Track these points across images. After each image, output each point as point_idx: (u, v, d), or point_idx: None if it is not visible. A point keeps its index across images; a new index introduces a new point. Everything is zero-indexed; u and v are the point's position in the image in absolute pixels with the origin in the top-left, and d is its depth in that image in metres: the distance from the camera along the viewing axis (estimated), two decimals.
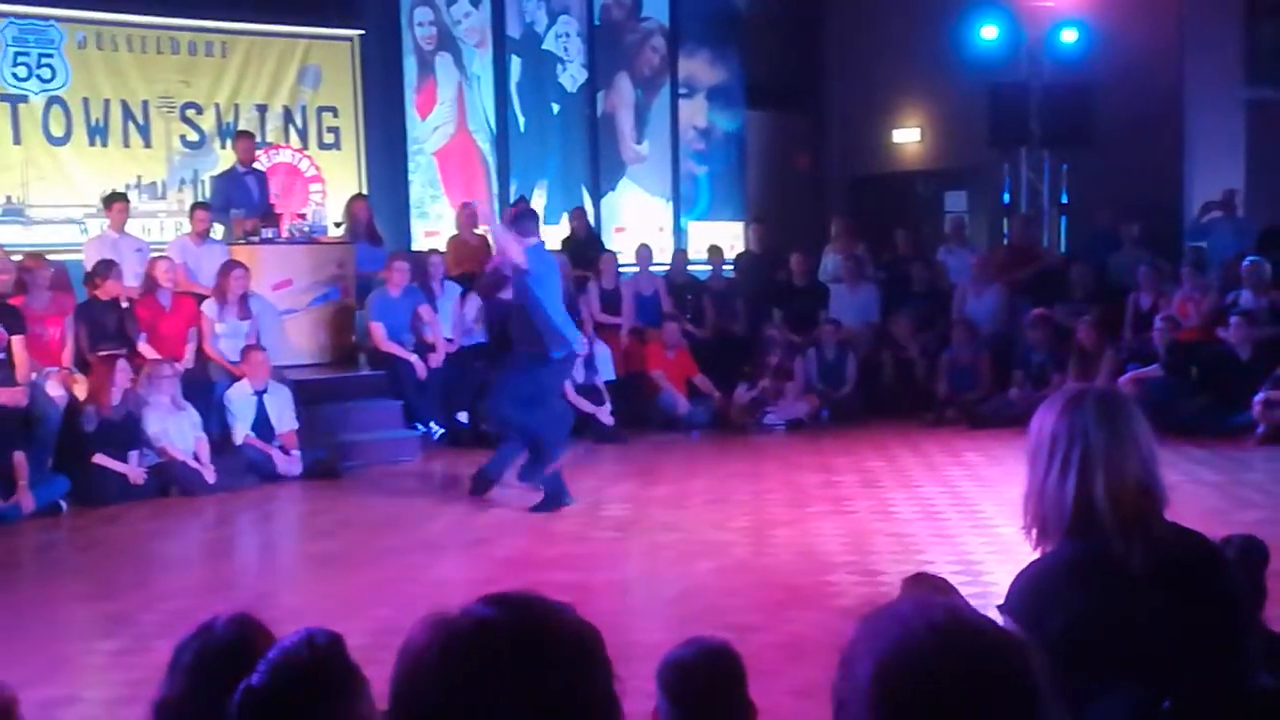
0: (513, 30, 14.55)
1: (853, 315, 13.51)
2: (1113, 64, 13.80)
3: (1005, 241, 14.80)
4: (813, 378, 12.82)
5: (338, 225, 12.54)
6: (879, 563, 7.11)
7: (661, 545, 7.85)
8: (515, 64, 14.58)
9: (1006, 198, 14.97)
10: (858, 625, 1.50)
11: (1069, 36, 13.76)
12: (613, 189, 15.28)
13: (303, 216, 12.20)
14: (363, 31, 13.63)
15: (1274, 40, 15.66)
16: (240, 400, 10.16)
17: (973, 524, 7.98)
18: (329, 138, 13.57)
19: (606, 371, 12.10)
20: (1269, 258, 12.10)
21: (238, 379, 10.28)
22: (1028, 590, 2.55)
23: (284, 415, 10.26)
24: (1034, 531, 2.62)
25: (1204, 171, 14.25)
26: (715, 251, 14.33)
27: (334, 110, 13.56)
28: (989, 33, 14.10)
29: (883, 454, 10.77)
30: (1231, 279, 12.24)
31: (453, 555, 7.83)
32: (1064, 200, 14.68)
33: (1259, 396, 10.80)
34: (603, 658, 1.56)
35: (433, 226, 13.92)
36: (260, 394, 10.19)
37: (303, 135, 13.43)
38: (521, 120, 14.65)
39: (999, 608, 2.59)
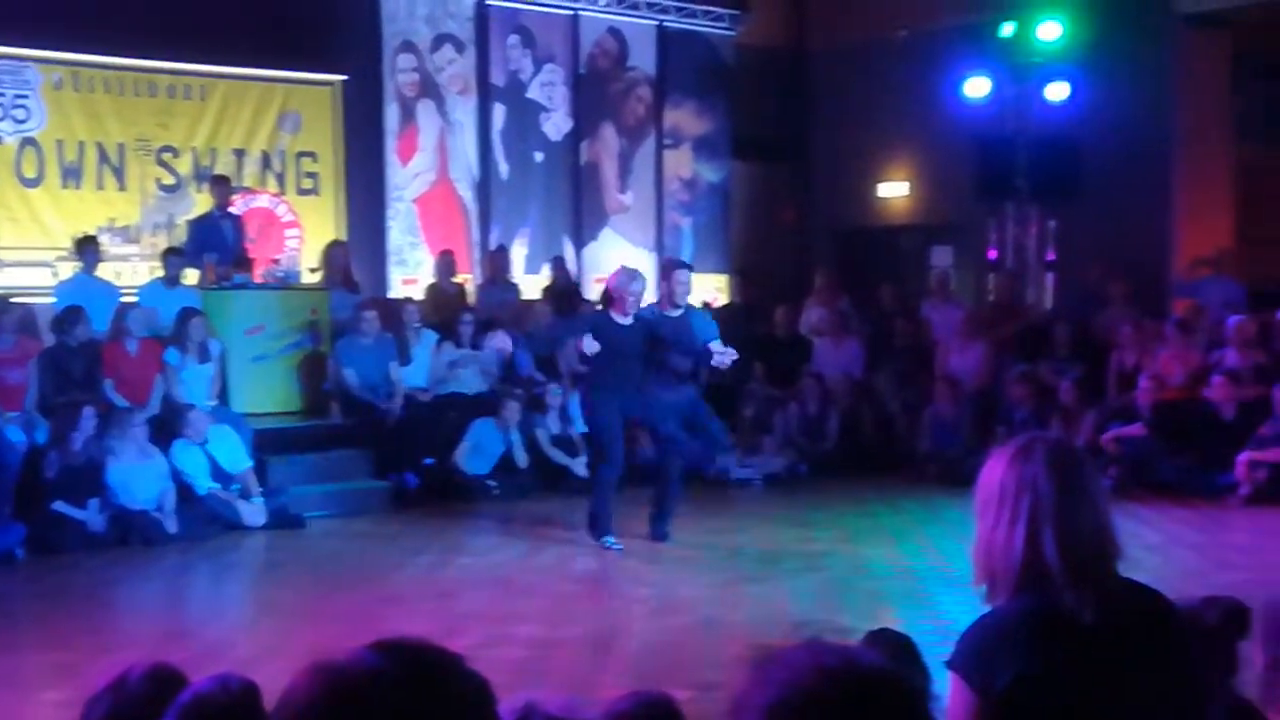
0: (497, 78, 14.48)
1: (835, 369, 13.39)
2: (1101, 120, 13.73)
3: (990, 297, 14.68)
4: (792, 431, 12.68)
5: (313, 271, 12.39)
6: (850, 620, 6.91)
7: (631, 600, 7.70)
8: (499, 112, 14.50)
9: (993, 253, 14.87)
10: (750, 671, 1.47)
11: (1057, 92, 13.69)
12: (595, 239, 15.17)
13: (277, 262, 12.06)
14: (345, 77, 13.55)
15: (1263, 100, 15.65)
16: (185, 458, 9.92)
17: (949, 583, 7.79)
18: (307, 183, 13.46)
19: (582, 423, 11.90)
20: (1255, 317, 11.98)
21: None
22: (976, 644, 2.47)
23: (235, 455, 10.04)
24: (984, 585, 2.55)
25: (1192, 229, 14.16)
26: (705, 307, 14.25)
27: (313, 155, 13.46)
28: (977, 87, 14.04)
29: (861, 510, 10.59)
30: (1218, 338, 12.12)
31: (414, 608, 7.63)
32: (1050, 256, 14.57)
33: (1242, 456, 10.66)
34: (491, 713, 1.53)
35: (411, 274, 13.78)
36: (203, 445, 9.96)
37: (280, 180, 13.31)
38: (504, 168, 14.55)
39: (947, 662, 2.51)
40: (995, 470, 2.56)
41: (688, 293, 9.27)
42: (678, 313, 9.08)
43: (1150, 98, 13.95)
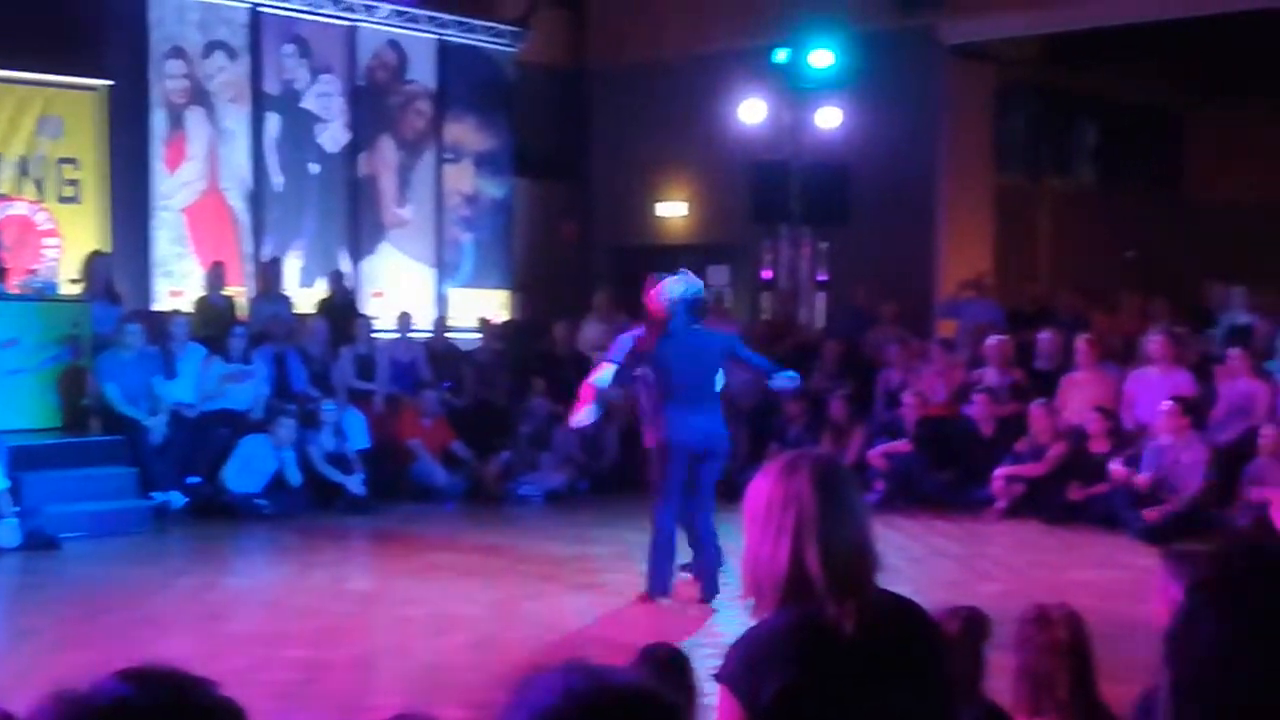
0: (271, 87, 14.12)
1: (615, 385, 13.45)
2: (870, 146, 14.18)
3: (764, 316, 14.99)
4: (573, 448, 12.70)
5: (74, 282, 11.87)
6: (628, 636, 6.93)
7: (406, 619, 7.57)
8: (273, 121, 14.14)
9: (767, 273, 15.19)
10: (508, 694, 1.46)
11: (828, 118, 14.08)
12: (373, 252, 14.93)
13: (34, 272, 11.51)
14: (110, 83, 13.01)
15: (1022, 130, 16.41)
16: None
17: (728, 596, 7.89)
18: (68, 190, 12.87)
19: (358, 439, 11.70)
20: (1013, 337, 12.52)
21: None
22: (743, 657, 2.52)
23: None
24: (751, 598, 2.60)
25: (955, 253, 14.73)
26: (485, 323, 14.23)
27: (75, 162, 12.88)
28: (752, 111, 14.34)
29: (640, 526, 10.60)
30: (978, 357, 12.62)
31: (179, 632, 7.35)
32: (822, 277, 14.97)
33: (1000, 471, 11.11)
34: None
35: (178, 286, 13.31)
36: None
37: (39, 187, 12.70)
38: (278, 179, 14.20)
39: (715, 675, 2.54)
40: (762, 486, 2.60)
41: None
42: None
43: (917, 126, 14.48)
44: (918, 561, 9.15)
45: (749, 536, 2.59)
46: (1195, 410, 10.58)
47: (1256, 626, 1.47)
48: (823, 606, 2.48)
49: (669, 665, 3.64)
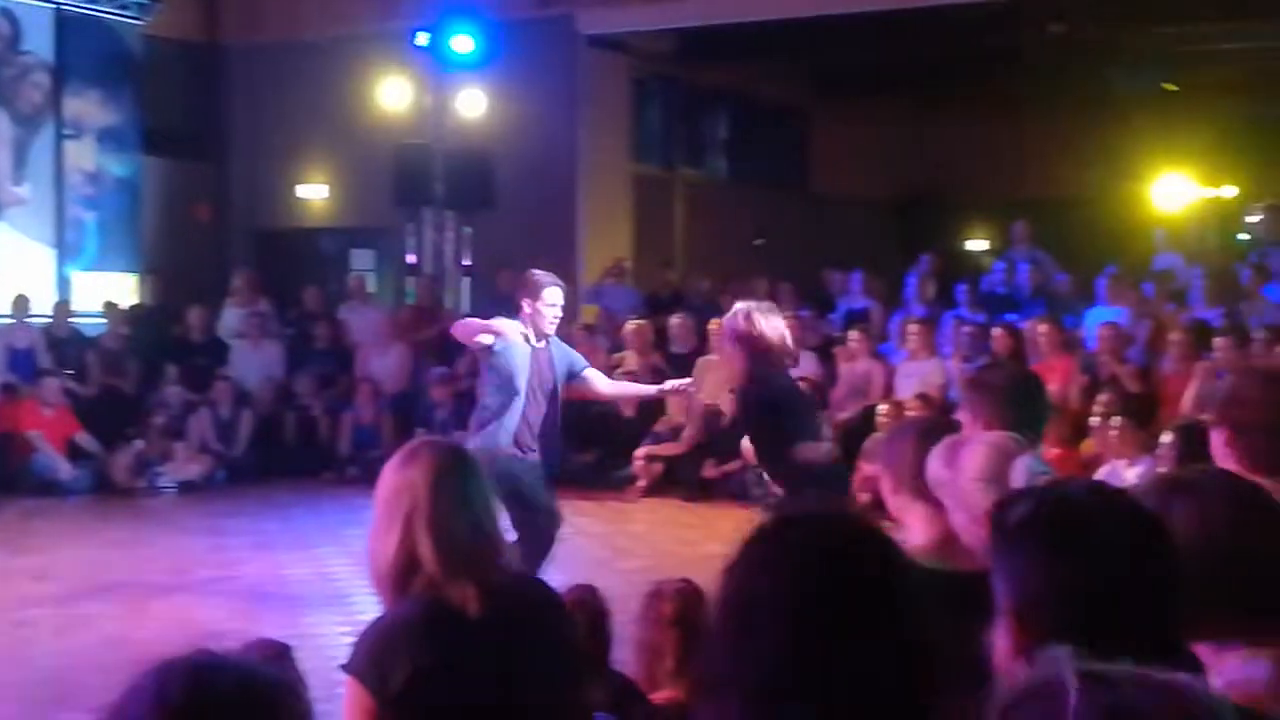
0: None
1: (255, 372, 13.16)
2: (513, 133, 14.28)
3: (410, 301, 14.88)
4: (209, 437, 12.30)
5: None
6: (266, 629, 6.76)
7: (24, 622, 7.16)
8: None
9: (412, 258, 15.08)
10: (130, 687, 1.49)
11: (471, 103, 14.09)
12: None
13: None
14: None
15: (658, 122, 16.90)
16: None
17: (369, 585, 7.81)
18: None
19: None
20: (652, 321, 12.89)
21: None
22: (370, 647, 2.54)
23: None
24: (378, 588, 2.62)
25: (596, 240, 15.04)
26: (111, 307, 13.52)
27: None
28: (394, 94, 14.19)
29: (279, 515, 10.43)
30: (619, 341, 12.94)
31: None
32: (467, 262, 14.97)
33: (640, 451, 11.46)
34: None
35: None
36: None
37: None
38: None
39: (342, 666, 2.54)
40: (386, 477, 2.64)
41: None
42: (542, 344, 6.75)
43: (557, 114, 14.67)
44: (561, 541, 9.30)
45: (373, 527, 2.63)
46: (819, 390, 11.20)
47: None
48: (443, 592, 2.51)
49: (272, 658, 3.61)
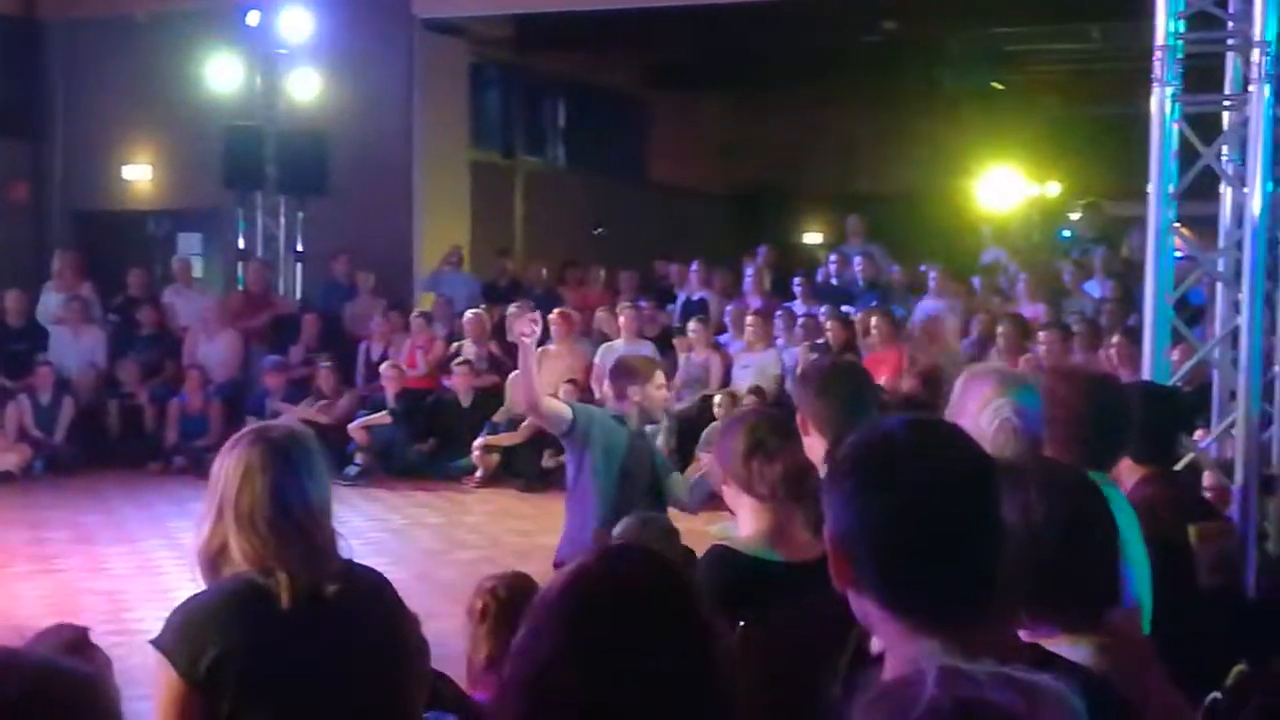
0: None
1: (76, 359, 12.72)
2: (348, 116, 14.01)
3: (241, 286, 14.50)
4: (28, 427, 11.85)
5: None
6: (86, 623, 6.52)
7: None
8: None
9: (242, 242, 14.69)
10: None
11: (304, 84, 13.79)
12: None
13: None
14: None
15: (496, 108, 16.77)
16: None
17: (193, 577, 7.59)
18: None
19: None
20: (490, 310, 12.78)
21: None
22: (182, 626, 2.57)
23: None
24: (199, 572, 2.67)
25: (433, 227, 14.84)
26: None
27: None
28: (223, 73, 13.81)
29: (101, 507, 10.09)
30: (457, 329, 12.81)
31: None
32: (300, 247, 14.65)
33: (478, 441, 11.37)
34: None
35: None
36: None
37: None
38: None
39: (153, 642, 2.56)
40: (216, 463, 2.68)
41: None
42: None
43: (393, 98, 14.44)
44: (398, 532, 9.21)
45: (199, 515, 2.66)
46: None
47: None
48: (260, 576, 2.55)
49: (70, 646, 3.48)
